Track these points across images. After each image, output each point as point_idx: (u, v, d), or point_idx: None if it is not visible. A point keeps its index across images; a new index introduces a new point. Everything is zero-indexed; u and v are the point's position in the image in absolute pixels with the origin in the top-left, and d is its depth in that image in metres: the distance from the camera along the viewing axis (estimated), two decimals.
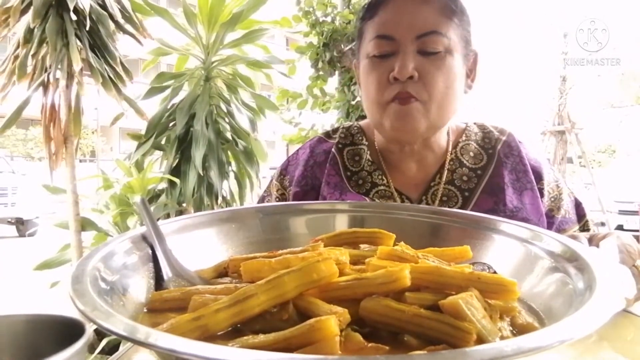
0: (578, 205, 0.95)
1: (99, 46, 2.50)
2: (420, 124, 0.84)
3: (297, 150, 1.02)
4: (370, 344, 0.36)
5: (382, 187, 0.91)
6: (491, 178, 0.90)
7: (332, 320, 0.34)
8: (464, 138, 0.96)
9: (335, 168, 0.94)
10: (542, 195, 0.90)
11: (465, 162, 0.93)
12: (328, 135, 1.01)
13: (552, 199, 0.92)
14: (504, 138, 0.96)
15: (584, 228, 0.93)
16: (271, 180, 1.02)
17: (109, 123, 2.76)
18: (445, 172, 0.91)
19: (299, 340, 0.33)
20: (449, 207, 0.87)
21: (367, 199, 0.89)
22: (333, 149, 0.97)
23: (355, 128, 1.01)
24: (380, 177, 0.92)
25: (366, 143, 0.97)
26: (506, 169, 0.91)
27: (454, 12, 0.85)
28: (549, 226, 0.89)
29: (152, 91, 2.60)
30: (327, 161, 0.95)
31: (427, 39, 0.82)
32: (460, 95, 0.88)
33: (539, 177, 0.92)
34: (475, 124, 1.00)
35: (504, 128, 0.98)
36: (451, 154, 0.93)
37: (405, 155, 0.93)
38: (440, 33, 0.82)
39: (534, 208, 0.88)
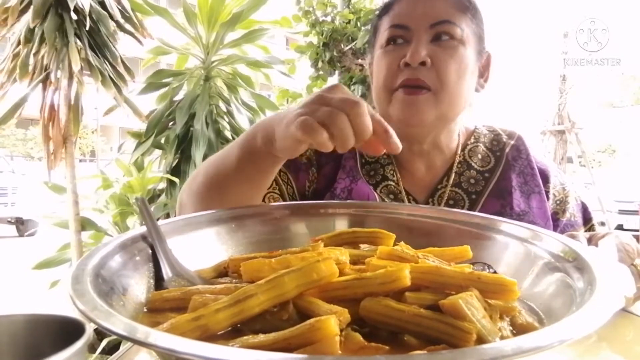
0: (585, 209, 0.95)
1: (99, 45, 2.51)
2: (428, 114, 0.83)
3: None
4: (370, 344, 0.36)
5: (391, 183, 0.90)
6: (499, 181, 0.90)
7: (332, 320, 0.34)
8: (472, 140, 0.95)
9: (352, 152, 0.93)
10: (547, 198, 0.90)
11: (473, 164, 0.92)
12: None
13: (558, 202, 0.92)
14: (512, 141, 0.95)
15: (590, 232, 0.93)
16: None
17: (108, 122, 2.76)
18: (453, 175, 0.90)
19: (299, 340, 0.33)
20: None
21: (375, 192, 0.89)
22: None
23: None
24: (392, 172, 0.91)
25: None
26: (514, 172, 0.91)
27: (467, 7, 0.86)
28: (554, 229, 0.89)
29: (149, 87, 2.60)
30: None
31: (440, 28, 0.83)
32: (471, 89, 0.88)
33: (545, 179, 0.92)
34: (484, 126, 1.00)
35: (513, 131, 0.98)
36: (460, 156, 0.93)
37: (414, 156, 0.92)
38: (453, 23, 0.83)
39: (541, 212, 0.88)
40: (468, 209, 0.87)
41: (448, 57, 0.82)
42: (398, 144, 0.55)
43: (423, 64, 0.81)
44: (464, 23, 0.84)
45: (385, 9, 0.90)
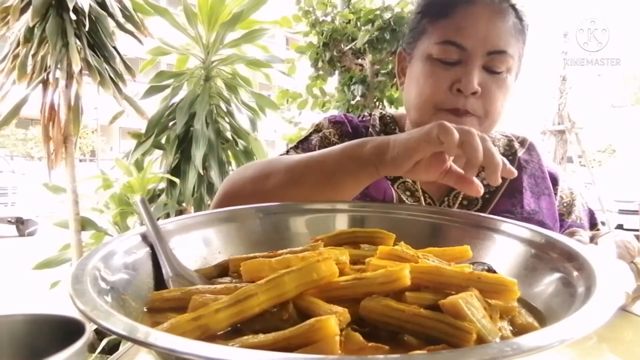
0: (592, 215, 0.96)
1: (98, 45, 2.51)
2: None
3: (339, 116, 1.00)
4: (370, 344, 0.36)
5: (409, 180, 0.91)
6: (511, 182, 0.91)
7: (332, 320, 0.34)
8: None
9: None
10: (556, 200, 0.92)
11: None
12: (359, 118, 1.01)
13: (564, 204, 0.93)
14: (525, 146, 0.97)
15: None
16: (316, 132, 0.97)
17: (108, 122, 2.77)
18: None
19: (299, 339, 0.33)
20: (469, 209, 0.88)
21: (392, 188, 0.88)
22: (370, 130, 0.96)
23: (388, 118, 1.00)
24: None
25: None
26: (525, 174, 0.92)
27: (520, 31, 0.84)
28: (560, 229, 0.90)
29: (151, 90, 2.61)
30: (366, 137, 0.94)
31: (496, 57, 0.81)
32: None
33: (554, 182, 0.94)
34: (497, 131, 1.01)
35: (525, 137, 1.00)
36: None
37: None
38: (508, 53, 0.81)
39: (550, 213, 0.89)
40: (480, 209, 0.88)
41: (497, 88, 0.82)
42: (513, 171, 0.62)
43: (474, 93, 0.80)
44: (516, 49, 0.83)
45: (442, 11, 0.84)
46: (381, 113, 1.01)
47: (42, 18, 2.30)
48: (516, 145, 0.97)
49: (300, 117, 4.36)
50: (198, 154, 2.34)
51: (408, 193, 0.90)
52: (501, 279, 0.41)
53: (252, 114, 2.64)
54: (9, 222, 7.78)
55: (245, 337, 0.35)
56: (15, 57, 2.37)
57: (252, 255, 0.52)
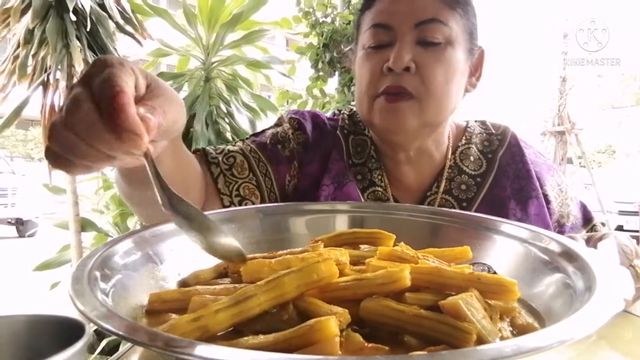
0: (584, 209, 0.91)
1: (99, 46, 2.51)
2: (411, 122, 0.78)
3: (307, 111, 0.94)
4: (370, 345, 0.36)
5: (379, 189, 0.86)
6: (491, 188, 0.86)
7: (332, 321, 0.34)
8: (464, 142, 0.91)
9: (340, 153, 0.88)
10: (548, 201, 0.86)
11: (464, 168, 0.88)
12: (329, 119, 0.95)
13: (559, 204, 0.88)
14: (505, 142, 0.90)
15: (591, 232, 0.89)
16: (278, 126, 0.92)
17: None
18: (444, 181, 0.86)
19: (299, 340, 0.33)
20: None
21: (362, 197, 0.85)
22: (338, 132, 0.90)
23: (358, 116, 0.93)
24: (379, 177, 0.87)
25: (369, 135, 0.91)
26: (508, 179, 0.86)
27: (456, 1, 0.79)
28: (560, 234, 0.86)
29: None
30: (334, 140, 0.89)
31: (426, 28, 0.77)
32: (460, 91, 0.83)
33: (542, 182, 0.88)
34: (476, 122, 0.95)
35: (506, 128, 0.93)
36: (450, 160, 0.88)
37: (400, 162, 0.88)
38: (441, 21, 0.77)
39: (539, 218, 0.84)
40: None
41: (434, 61, 0.77)
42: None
43: (407, 69, 0.76)
44: (453, 20, 0.78)
45: (367, 4, 0.84)
46: (351, 111, 0.95)
47: (42, 19, 2.31)
48: (496, 141, 0.91)
49: None
50: None
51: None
52: (501, 280, 0.41)
53: (252, 115, 2.64)
54: (9, 223, 7.78)
55: (245, 338, 0.35)
56: (16, 58, 2.37)
57: (252, 256, 0.52)
